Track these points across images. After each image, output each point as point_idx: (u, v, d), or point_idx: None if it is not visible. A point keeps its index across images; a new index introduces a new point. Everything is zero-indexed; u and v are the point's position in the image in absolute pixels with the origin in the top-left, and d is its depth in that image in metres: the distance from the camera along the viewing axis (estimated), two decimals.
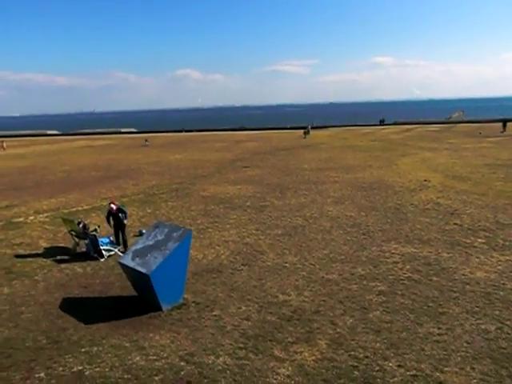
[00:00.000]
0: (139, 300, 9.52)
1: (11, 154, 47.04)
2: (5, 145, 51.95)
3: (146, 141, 52.42)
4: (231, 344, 7.57)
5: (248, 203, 18.65)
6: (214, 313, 8.80)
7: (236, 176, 26.09)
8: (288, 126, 78.88)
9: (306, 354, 7.17)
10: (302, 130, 57.17)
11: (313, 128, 66.98)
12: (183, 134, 75.63)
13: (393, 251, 12.07)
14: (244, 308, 8.96)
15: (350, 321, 8.26)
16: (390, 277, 10.31)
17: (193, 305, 9.22)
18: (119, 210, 12.80)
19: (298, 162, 31.34)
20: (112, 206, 12.80)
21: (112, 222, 12.88)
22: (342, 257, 11.80)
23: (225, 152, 40.43)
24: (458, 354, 7.05)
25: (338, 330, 7.94)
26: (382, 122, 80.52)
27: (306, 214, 16.52)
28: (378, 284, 9.91)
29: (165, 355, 7.30)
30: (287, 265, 11.34)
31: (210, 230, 14.84)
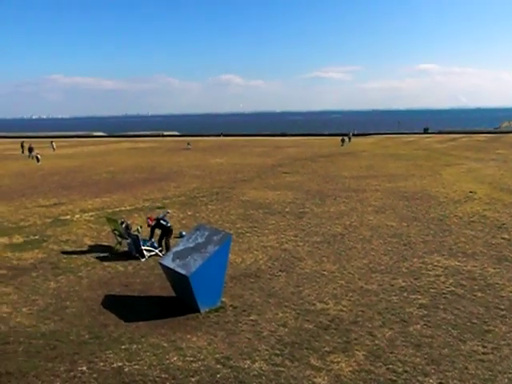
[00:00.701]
0: (178, 301, 9.67)
1: (60, 154, 49.00)
2: (55, 145, 54.21)
3: (188, 144, 53.39)
4: (267, 350, 7.55)
5: (287, 209, 18.62)
6: (250, 317, 8.82)
7: (276, 181, 26.12)
8: (326, 133, 78.33)
9: (343, 365, 7.07)
10: (341, 138, 56.27)
11: (354, 135, 66.23)
12: (222, 138, 76.43)
13: (435, 264, 11.72)
14: (281, 314, 8.94)
15: (389, 333, 8.08)
16: (432, 290, 10.01)
17: (230, 308, 9.28)
18: (159, 220, 13.05)
19: (338, 169, 31.05)
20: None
21: (159, 231, 13.17)
22: (382, 267, 11.57)
23: (265, 157, 40.57)
24: (505, 376, 6.74)
25: (377, 341, 7.78)
26: (425, 131, 78.62)
27: (346, 222, 16.33)
28: (419, 297, 9.65)
29: (201, 357, 7.37)
30: (325, 273, 11.24)
31: (248, 234, 14.92)
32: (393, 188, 23.09)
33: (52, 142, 56.44)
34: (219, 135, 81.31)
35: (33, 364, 7.07)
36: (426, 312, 8.90)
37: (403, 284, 10.39)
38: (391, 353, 7.39)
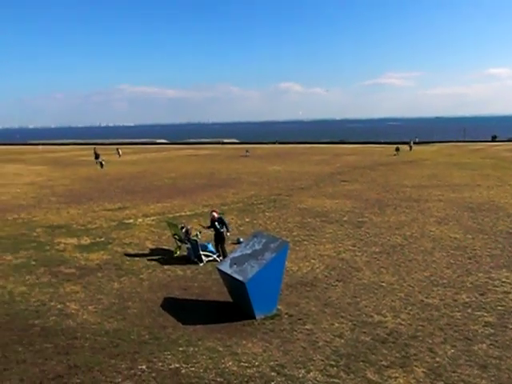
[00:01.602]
0: (234, 306, 9.80)
1: (125, 160, 51.27)
2: (120, 152, 56.86)
3: (247, 151, 54.04)
4: (322, 360, 7.47)
5: (345, 218, 18.35)
6: (306, 326, 8.77)
7: (334, 190, 25.83)
8: (383, 141, 76.45)
9: (401, 381, 6.84)
10: (396, 146, 53.92)
11: (416, 143, 64.13)
12: (279, 145, 76.62)
13: (503, 279, 11.07)
14: (337, 325, 8.81)
15: (452, 351, 7.72)
16: (500, 307, 9.46)
17: (286, 316, 9.27)
18: (220, 219, 13.31)
19: (398, 178, 30.19)
20: (214, 214, 13.40)
21: (214, 232, 13.44)
22: (445, 281, 11.09)
23: (323, 165, 40.24)
24: None
25: (438, 359, 7.46)
26: (493, 138, 74.62)
27: (406, 232, 15.82)
28: (485, 314, 9.15)
29: (256, 363, 7.42)
30: (384, 284, 10.95)
31: (305, 242, 14.84)
32: (457, 198, 22.11)
33: (118, 148, 59.26)
34: (274, 143, 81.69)
35: (97, 359, 7.44)
36: (492, 331, 8.43)
37: (467, 300, 9.91)
38: (453, 372, 7.06)
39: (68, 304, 9.97)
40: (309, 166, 39.21)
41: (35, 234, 16.68)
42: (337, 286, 10.95)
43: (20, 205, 23.20)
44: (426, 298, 10.08)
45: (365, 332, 8.46)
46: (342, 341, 8.14)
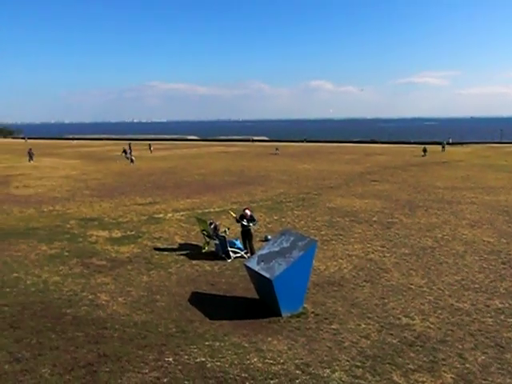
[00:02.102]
0: (260, 303, 9.84)
1: (157, 156, 52.06)
2: (152, 147, 57.83)
3: (277, 149, 53.97)
4: (348, 360, 7.42)
5: (375, 218, 18.12)
6: (332, 326, 8.72)
7: (364, 189, 25.53)
8: (414, 141, 74.93)
9: None
10: (423, 147, 51.90)
11: (449, 144, 62.66)
12: (308, 144, 76.17)
13: None
14: (363, 326, 8.73)
15: (482, 357, 7.53)
16: None
17: (312, 315, 9.24)
18: (251, 217, 13.37)
19: (430, 179, 29.56)
20: (247, 211, 13.45)
21: (241, 228, 13.52)
22: (476, 285, 10.82)
23: (353, 164, 39.81)
24: None
25: (467, 365, 7.29)
26: None
27: (437, 235, 15.50)
28: None
29: (281, 361, 7.43)
30: (413, 287, 10.76)
31: (333, 242, 14.74)
32: (491, 201, 21.49)
33: (150, 144, 60.31)
34: (303, 141, 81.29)
35: (126, 350, 7.61)
36: None
37: (500, 306, 9.64)
38: (484, 379, 6.89)
39: (99, 295, 10.24)
40: (339, 165, 38.86)
41: (69, 225, 17.17)
42: (364, 286, 10.84)
43: (55, 197, 23.92)
44: (457, 302, 9.86)
45: (392, 334, 8.36)
46: (369, 342, 8.06)
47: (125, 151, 47.09)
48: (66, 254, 13.49)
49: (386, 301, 9.93)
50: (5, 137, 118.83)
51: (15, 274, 11.54)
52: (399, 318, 9.04)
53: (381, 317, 9.11)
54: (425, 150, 50.03)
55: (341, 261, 12.80)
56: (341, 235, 15.57)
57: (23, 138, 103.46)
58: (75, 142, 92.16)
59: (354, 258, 13.07)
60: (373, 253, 13.51)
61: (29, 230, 16.34)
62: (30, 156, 44.92)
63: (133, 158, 43.04)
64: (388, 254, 13.34)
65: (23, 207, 20.98)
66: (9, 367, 6.81)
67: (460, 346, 7.89)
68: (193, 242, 14.84)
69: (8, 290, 10.43)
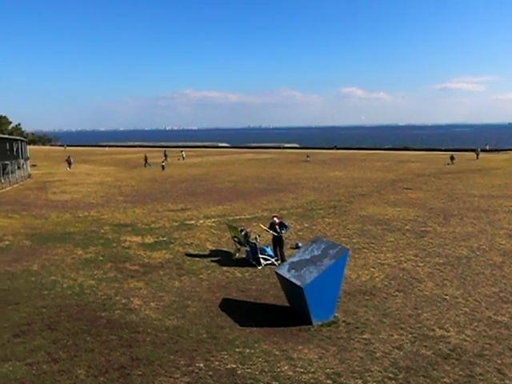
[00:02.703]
0: (291, 311, 9.80)
1: (188, 162, 52.80)
2: (184, 154, 58.73)
3: (308, 156, 53.83)
4: (380, 372, 7.29)
5: (407, 227, 17.79)
6: (364, 336, 8.60)
7: (396, 197, 25.12)
8: (448, 148, 73.11)
9: None
10: (450, 155, 49.70)
11: (485, 151, 60.93)
12: (341, 151, 75.56)
13: None
14: (396, 336, 8.56)
15: None
16: None
17: (343, 324, 9.14)
18: (281, 223, 13.39)
19: (466, 187, 28.82)
20: (275, 219, 13.48)
21: (272, 236, 13.55)
22: None
23: (386, 172, 39.25)
24: None
25: (507, 381, 7.02)
26: None
27: (473, 244, 15.07)
28: None
29: (312, 370, 7.38)
30: (447, 297, 10.49)
31: (365, 250, 14.56)
32: None
33: (182, 151, 61.27)
34: (333, 148, 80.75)
35: (158, 354, 7.72)
36: None
37: None
38: None
39: (132, 299, 10.43)
40: (370, 173, 38.39)
41: (103, 231, 17.60)
42: (397, 296, 10.64)
43: (90, 203, 24.58)
44: (495, 314, 9.55)
45: (426, 346, 8.16)
46: (401, 353, 7.90)
47: (145, 158, 48.33)
48: (101, 258, 13.83)
49: (420, 311, 9.72)
50: (43, 144, 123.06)
51: (53, 277, 11.91)
52: (433, 330, 8.83)
53: (414, 328, 8.93)
54: (452, 158, 48.07)
55: (372, 269, 12.63)
56: (373, 243, 15.36)
57: (61, 146, 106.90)
58: (107, 149, 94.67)
59: (386, 266, 12.86)
60: (405, 262, 13.26)
61: (65, 235, 16.84)
62: (69, 163, 46.19)
63: (163, 164, 43.78)
64: (421, 264, 13.06)
65: (60, 212, 21.64)
66: (47, 367, 7.03)
67: (499, 361, 7.62)
68: (224, 249, 14.94)
69: (46, 292, 10.77)
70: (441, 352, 7.92)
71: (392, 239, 15.90)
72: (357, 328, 8.93)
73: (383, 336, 8.57)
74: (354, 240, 15.83)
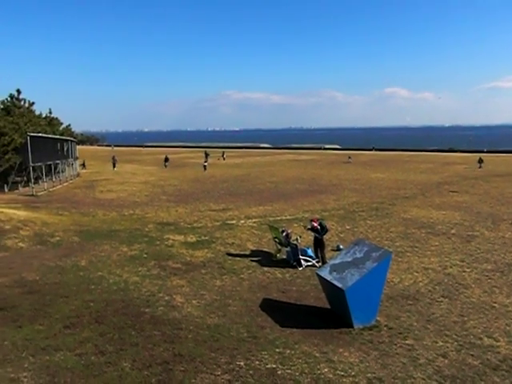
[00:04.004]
0: (331, 313, 9.73)
1: (230, 163, 53.31)
2: (225, 155, 59.39)
3: (349, 158, 53.16)
4: (424, 379, 7.12)
5: (453, 231, 17.25)
6: (406, 341, 8.42)
7: (441, 200, 24.39)
8: (484, 150, 70.15)
9: None
10: (478, 158, 45.58)
11: None
12: (380, 152, 74.10)
13: None
14: (441, 343, 8.33)
15: None
16: None
17: (385, 328, 8.99)
18: (320, 225, 13.33)
19: None
20: (313, 223, 13.44)
21: (313, 237, 13.51)
22: None
23: (430, 174, 38.18)
24: None
25: None
26: None
27: None
28: None
29: (352, 373, 7.30)
30: (496, 305, 10.10)
31: (408, 254, 14.24)
32: None
33: (224, 152, 62.00)
34: (371, 149, 79.25)
35: (199, 351, 7.87)
36: None
37: None
38: None
39: (174, 296, 10.66)
40: (414, 175, 37.46)
41: (147, 229, 18.06)
42: (442, 302, 10.35)
43: (135, 202, 25.30)
44: None
45: (472, 355, 7.90)
46: (446, 361, 7.69)
47: (166, 158, 49.65)
48: (145, 255, 14.20)
49: (466, 319, 9.41)
50: (91, 144, 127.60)
51: (99, 273, 12.34)
52: (481, 338, 8.53)
53: (460, 335, 8.65)
54: (480, 161, 44.01)
55: (416, 274, 12.33)
56: (416, 247, 15.00)
57: (108, 146, 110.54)
58: (144, 149, 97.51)
59: (430, 271, 12.53)
60: (451, 267, 12.87)
61: (111, 232, 17.40)
62: (114, 163, 47.71)
63: (205, 164, 44.38)
64: (468, 269, 12.64)
65: (107, 210, 22.39)
66: (94, 358, 7.31)
67: None
68: (264, 249, 15.01)
69: (93, 287, 11.18)
70: (489, 362, 7.64)
71: (437, 243, 15.46)
72: (399, 333, 8.76)
73: (427, 342, 8.36)
74: (397, 243, 15.52)
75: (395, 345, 8.29)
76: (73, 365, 7.02)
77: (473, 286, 11.36)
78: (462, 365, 7.56)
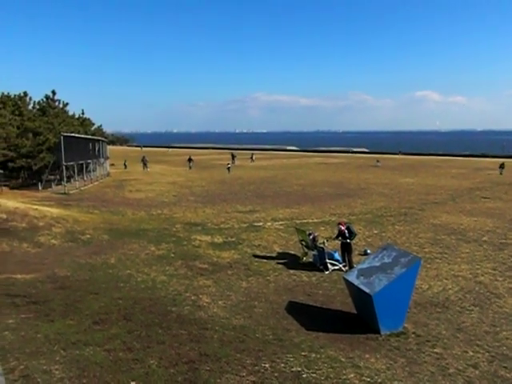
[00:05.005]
0: (358, 319, 9.63)
1: (257, 165, 53.41)
2: (254, 157, 59.62)
3: (378, 161, 52.47)
4: None
5: (485, 238, 16.81)
6: (435, 350, 8.26)
7: (472, 206, 23.80)
8: None
9: None
10: (500, 163, 42.92)
11: None
12: (407, 156, 72.81)
13: None
14: (471, 353, 8.13)
15: None
16: None
17: (413, 336, 8.83)
18: (348, 229, 13.20)
19: None
20: (340, 226, 13.33)
21: (340, 241, 13.40)
22: None
23: (461, 179, 37.31)
24: None
25: None
26: None
27: None
28: None
29: (379, 380, 7.20)
30: None
31: (438, 260, 13.95)
32: None
33: (252, 154, 62.28)
34: (397, 153, 78.00)
35: (225, 351, 7.90)
36: None
37: None
38: None
39: (201, 296, 10.76)
40: (445, 180, 36.68)
41: (175, 229, 18.28)
42: (472, 310, 10.10)
43: (163, 202, 25.64)
44: None
45: (506, 367, 7.67)
46: (477, 372, 7.49)
47: (190, 159, 49.48)
48: (172, 255, 14.38)
49: (498, 329, 9.16)
50: (121, 145, 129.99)
51: (128, 271, 12.57)
52: None
53: (492, 346, 8.42)
54: (502, 167, 41.32)
55: (446, 281, 12.08)
56: (446, 254, 14.69)
57: (138, 146, 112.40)
58: (170, 150, 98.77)
59: (460, 279, 12.25)
60: (482, 275, 12.54)
61: (140, 231, 17.69)
62: (144, 163, 47.69)
63: (229, 166, 44.42)
64: (500, 278, 12.29)
65: (135, 210, 22.77)
66: (122, 354, 7.43)
67: None
68: (291, 252, 14.97)
69: (122, 284, 11.39)
70: None
71: (467, 250, 15.10)
72: (428, 341, 8.60)
73: (456, 352, 8.18)
74: (426, 249, 15.23)
75: (423, 353, 8.14)
76: (101, 360, 7.16)
77: (506, 295, 11.04)
78: (493, 377, 7.36)
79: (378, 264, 9.32)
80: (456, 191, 29.90)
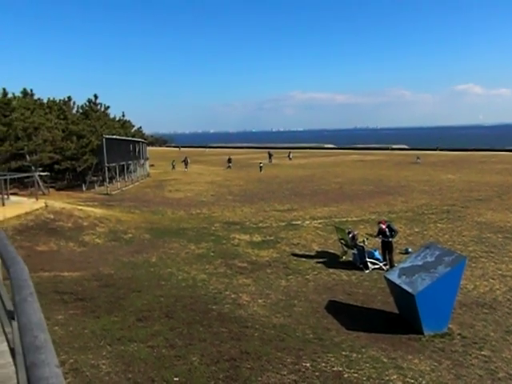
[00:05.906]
0: (400, 318, 9.45)
1: (295, 163, 53.25)
2: (291, 155, 59.54)
3: (418, 158, 51.18)
4: None
5: None
6: (482, 352, 7.99)
7: None
8: None
9: None
10: None
11: None
12: (447, 152, 70.56)
13: None
14: None
15: None
16: None
17: (458, 337, 8.59)
18: (389, 227, 12.98)
19: None
20: (381, 225, 13.11)
21: (380, 240, 13.19)
22: None
23: (508, 175, 35.84)
24: None
25: None
26: None
27: None
28: None
29: (423, 382, 7.05)
30: None
31: (483, 259, 13.49)
32: None
33: (290, 152, 62.17)
34: (435, 149, 75.60)
35: (265, 350, 7.94)
36: None
37: None
38: None
39: (240, 295, 10.84)
40: (489, 176, 35.35)
41: (214, 228, 18.49)
42: None
43: (202, 201, 25.98)
44: None
45: None
46: None
47: (229, 160, 48.94)
48: (212, 254, 14.56)
49: None
50: (160, 145, 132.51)
51: (169, 269, 12.83)
52: None
53: None
54: None
55: (492, 281, 11.66)
56: (492, 253, 14.17)
57: (176, 147, 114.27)
58: (207, 150, 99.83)
59: (508, 279, 11.80)
60: None
61: (180, 230, 18.01)
62: (186, 163, 48.10)
63: (261, 165, 44.07)
64: None
65: (175, 209, 23.19)
66: (165, 351, 7.61)
67: None
68: (330, 250, 14.85)
69: (163, 283, 11.64)
70: None
71: None
72: (474, 343, 8.34)
73: (506, 355, 7.89)
74: (470, 248, 14.74)
75: (470, 355, 7.90)
76: (145, 356, 7.35)
77: None
78: None
79: (420, 263, 9.12)
80: (501, 187, 28.75)
